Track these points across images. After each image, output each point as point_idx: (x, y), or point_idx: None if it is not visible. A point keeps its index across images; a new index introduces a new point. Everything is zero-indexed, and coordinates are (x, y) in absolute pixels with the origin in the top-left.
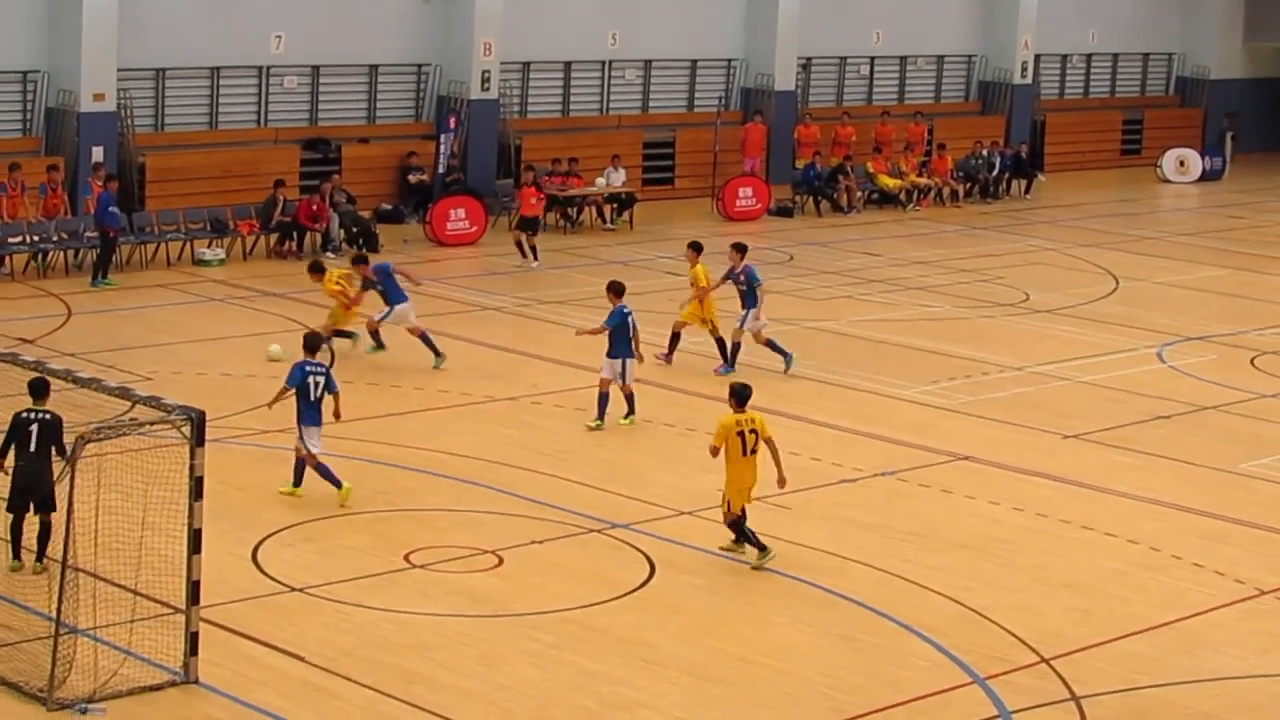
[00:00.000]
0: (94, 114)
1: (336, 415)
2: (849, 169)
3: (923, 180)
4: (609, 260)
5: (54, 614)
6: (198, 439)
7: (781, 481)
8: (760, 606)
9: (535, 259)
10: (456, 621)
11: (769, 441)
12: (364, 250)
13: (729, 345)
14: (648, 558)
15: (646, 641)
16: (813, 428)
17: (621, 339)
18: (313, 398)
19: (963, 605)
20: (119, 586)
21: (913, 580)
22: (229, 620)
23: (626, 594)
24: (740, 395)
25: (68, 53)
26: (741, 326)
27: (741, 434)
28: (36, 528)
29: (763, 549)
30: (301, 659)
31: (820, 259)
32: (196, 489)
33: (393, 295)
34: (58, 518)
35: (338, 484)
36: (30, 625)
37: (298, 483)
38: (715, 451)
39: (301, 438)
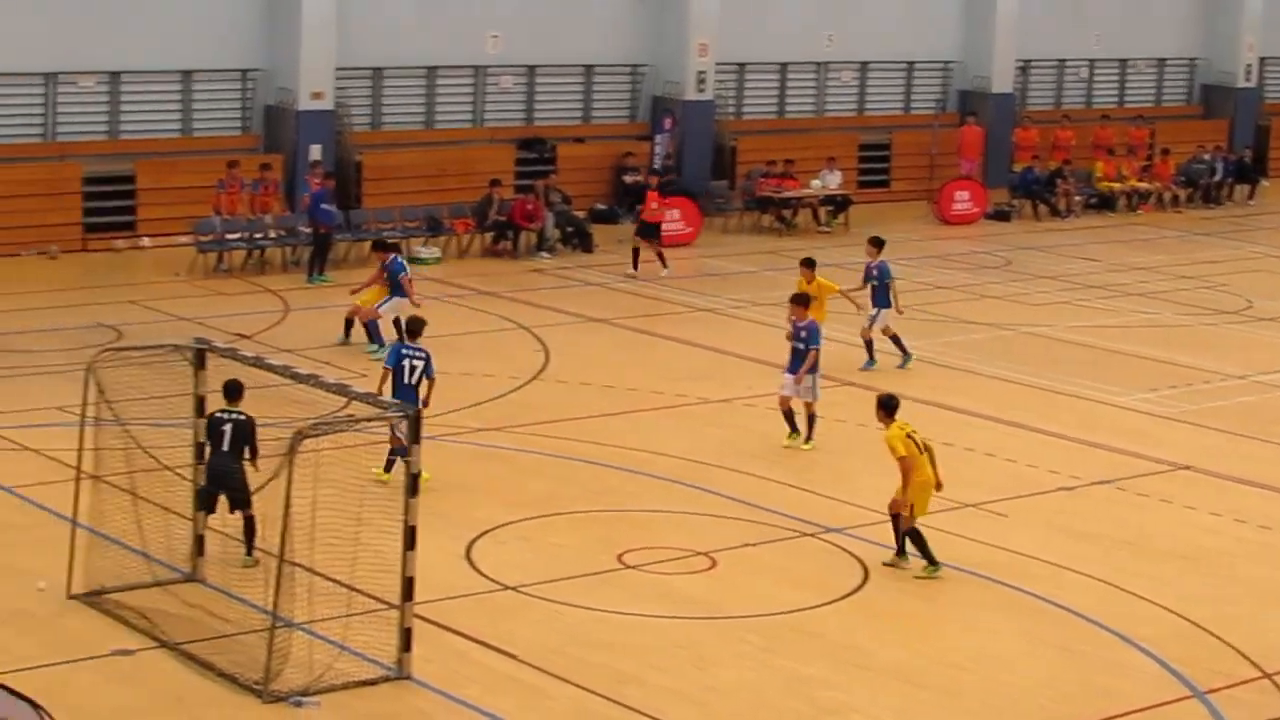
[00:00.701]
0: (312, 112)
1: (424, 403)
2: (1067, 172)
3: (1144, 185)
4: (823, 263)
5: (270, 608)
6: (414, 436)
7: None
8: (974, 613)
9: (664, 266)
10: (668, 623)
11: (928, 448)
12: (389, 240)
13: (863, 343)
14: (861, 562)
15: (859, 646)
16: (1030, 434)
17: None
18: (407, 381)
19: (1181, 617)
20: (334, 582)
21: (1130, 590)
22: (441, 617)
23: (839, 599)
24: (888, 406)
25: (287, 52)
26: (870, 325)
27: (911, 437)
28: (241, 525)
29: (932, 562)
30: (513, 656)
31: (1038, 263)
32: (412, 485)
33: (395, 289)
34: (265, 511)
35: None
36: (247, 618)
37: (386, 469)
38: (905, 463)
39: (393, 424)
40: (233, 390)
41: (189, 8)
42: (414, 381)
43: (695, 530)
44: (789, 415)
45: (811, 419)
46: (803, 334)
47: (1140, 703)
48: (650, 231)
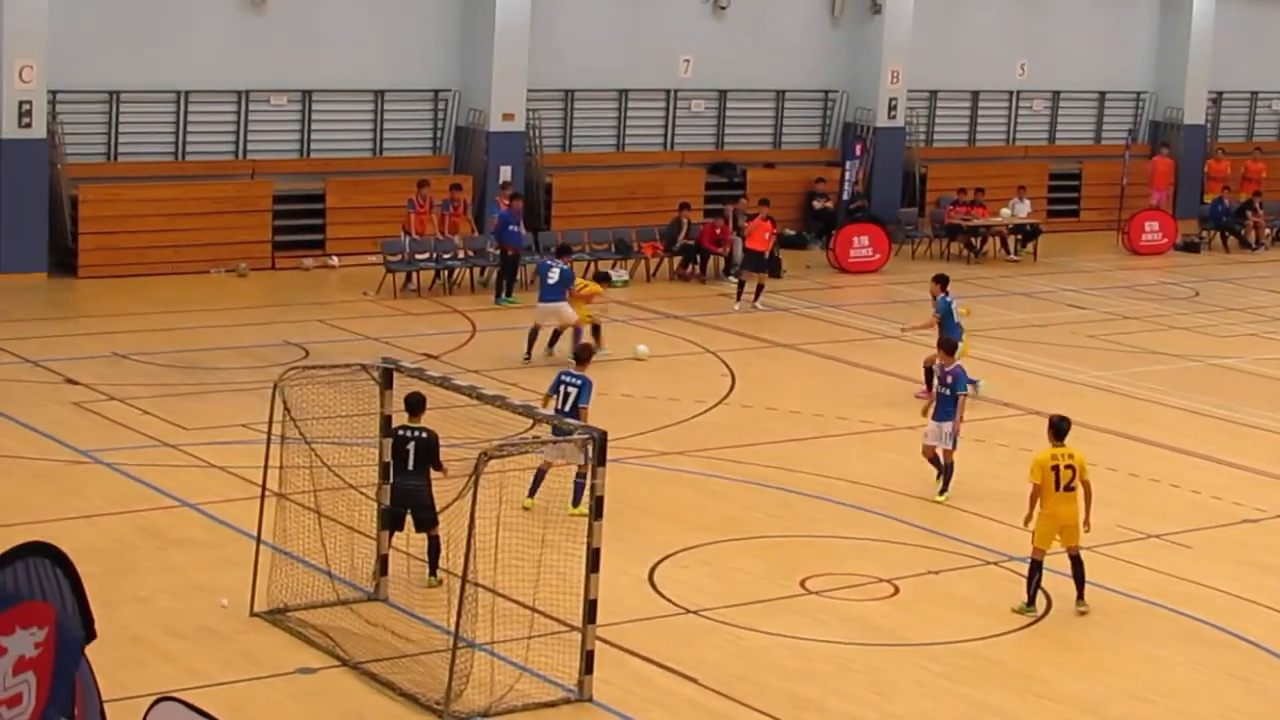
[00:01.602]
0: (503, 133)
1: None
2: (1258, 204)
3: None
4: (1011, 291)
5: (453, 628)
6: (599, 458)
7: (1086, 526)
8: (1157, 645)
9: (756, 299)
10: (849, 649)
11: (1085, 484)
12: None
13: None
14: (1045, 592)
15: (1040, 676)
16: (1215, 466)
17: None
18: (561, 407)
19: None
20: (517, 603)
21: None
22: (623, 640)
23: (1023, 628)
24: (1059, 429)
25: (479, 72)
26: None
27: (1056, 469)
28: (426, 545)
29: (1032, 602)
30: (694, 680)
31: (1226, 295)
32: (597, 508)
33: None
34: (450, 532)
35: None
36: (429, 638)
37: (530, 493)
38: (1036, 490)
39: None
40: (415, 404)
41: (382, 27)
42: (567, 408)
43: (878, 556)
44: (936, 463)
45: (949, 469)
46: (949, 379)
47: None
48: (756, 262)
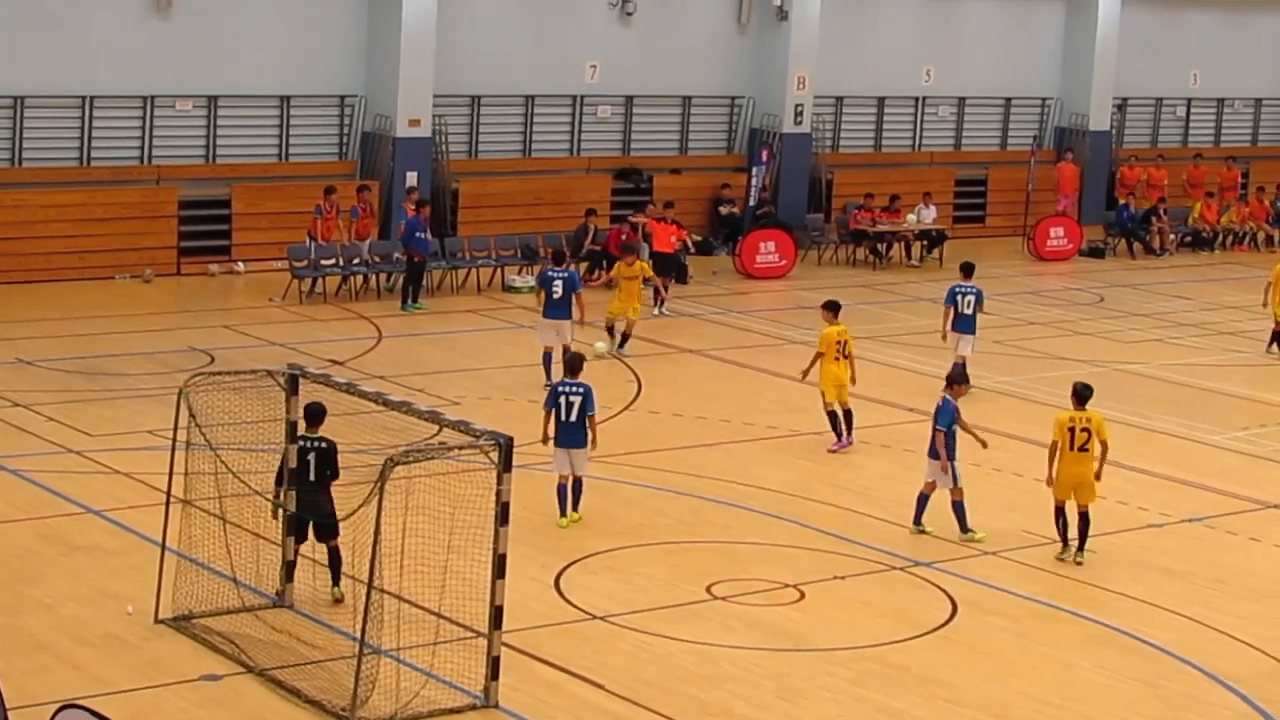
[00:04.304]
0: (409, 139)
1: (592, 444)
2: (1163, 210)
3: (1234, 224)
4: (917, 296)
5: (358, 634)
6: (505, 465)
7: (1098, 477)
8: (1063, 649)
9: (656, 305)
10: (756, 654)
11: (1103, 443)
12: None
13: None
14: (950, 597)
15: (947, 681)
16: (1120, 471)
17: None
18: (564, 419)
19: (1270, 656)
20: (422, 609)
21: (1218, 629)
22: (530, 646)
23: (928, 633)
24: (1081, 395)
25: (385, 78)
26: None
27: (1073, 430)
28: (327, 555)
29: (1066, 544)
30: (601, 686)
31: (1132, 301)
32: (503, 514)
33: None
34: (355, 538)
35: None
36: (335, 644)
37: (562, 512)
38: (1054, 447)
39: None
40: (314, 415)
41: (288, 32)
42: (573, 419)
43: (784, 562)
44: (922, 501)
45: (957, 507)
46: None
47: None
48: (664, 265)
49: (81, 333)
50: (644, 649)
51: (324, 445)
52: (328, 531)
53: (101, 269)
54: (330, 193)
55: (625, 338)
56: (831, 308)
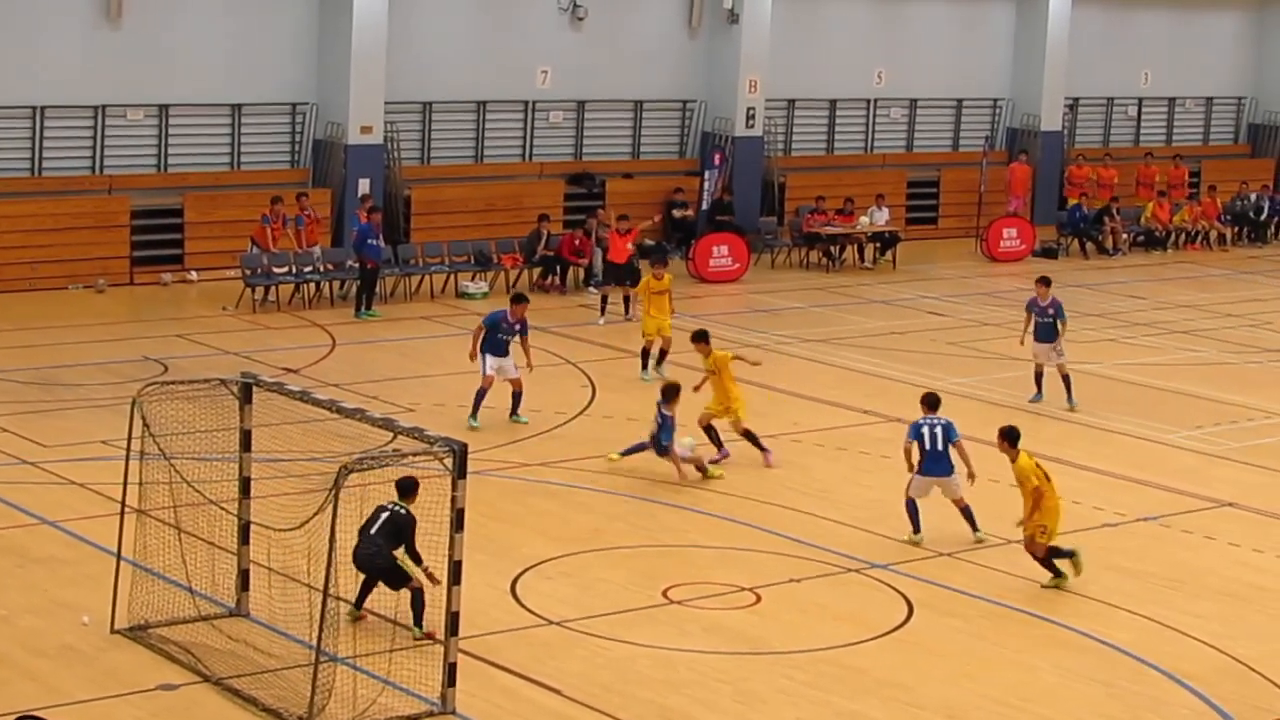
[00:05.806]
0: (361, 146)
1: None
2: (1115, 210)
3: (1186, 223)
4: (870, 299)
5: (314, 642)
6: (460, 471)
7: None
8: (1019, 650)
9: (601, 314)
10: (713, 658)
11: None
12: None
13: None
14: (906, 599)
15: (905, 683)
16: (1075, 470)
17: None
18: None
19: (1226, 654)
20: (378, 616)
21: (1174, 627)
22: (487, 652)
23: (884, 635)
24: (1011, 437)
25: (336, 85)
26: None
27: (1039, 466)
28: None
29: (1059, 574)
30: (558, 692)
31: (1085, 301)
32: (457, 521)
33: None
34: (311, 545)
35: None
36: (291, 653)
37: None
38: (1038, 491)
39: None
40: (405, 489)
41: (238, 40)
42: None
43: (740, 565)
44: (911, 506)
45: (966, 512)
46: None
47: None
48: (616, 274)
49: (34, 343)
50: (601, 654)
51: (403, 512)
52: (399, 580)
53: (54, 279)
54: (276, 202)
55: (663, 355)
56: (701, 337)
